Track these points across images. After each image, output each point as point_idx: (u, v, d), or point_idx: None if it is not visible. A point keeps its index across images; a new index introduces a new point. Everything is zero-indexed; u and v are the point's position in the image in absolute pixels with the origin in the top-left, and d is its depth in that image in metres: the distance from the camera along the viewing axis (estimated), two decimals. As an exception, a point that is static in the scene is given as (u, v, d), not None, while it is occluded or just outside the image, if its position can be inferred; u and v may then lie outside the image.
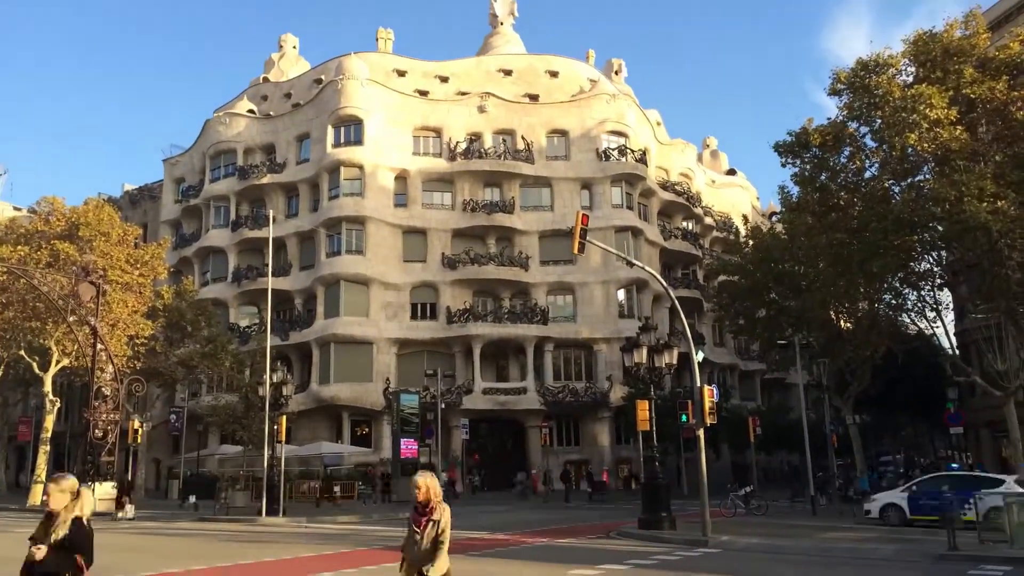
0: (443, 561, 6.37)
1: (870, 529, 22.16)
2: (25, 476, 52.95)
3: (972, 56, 29.77)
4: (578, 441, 49.31)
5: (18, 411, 55.25)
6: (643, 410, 22.31)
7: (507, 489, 44.31)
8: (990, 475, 24.41)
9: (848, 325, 40.85)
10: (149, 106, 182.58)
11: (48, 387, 37.27)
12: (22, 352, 37.91)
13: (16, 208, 62.56)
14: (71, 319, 33.50)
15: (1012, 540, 16.17)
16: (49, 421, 37.08)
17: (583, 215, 20.03)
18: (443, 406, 41.38)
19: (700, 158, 65.60)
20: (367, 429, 46.69)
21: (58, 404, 38.32)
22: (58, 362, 37.28)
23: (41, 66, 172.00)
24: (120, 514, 28.21)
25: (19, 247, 36.30)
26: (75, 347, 35.94)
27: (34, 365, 37.81)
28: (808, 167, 34.35)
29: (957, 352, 35.65)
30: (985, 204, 26.55)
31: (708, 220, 59.42)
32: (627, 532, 20.79)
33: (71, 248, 35.90)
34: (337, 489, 38.04)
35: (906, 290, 33.92)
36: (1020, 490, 19.12)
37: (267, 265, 41.63)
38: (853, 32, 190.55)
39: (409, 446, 38.42)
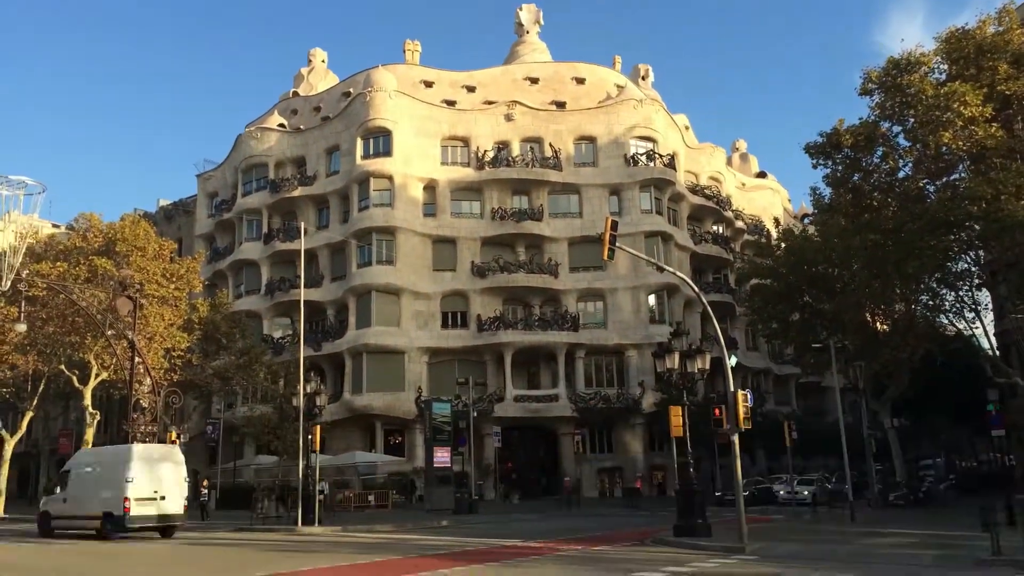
0: None
1: (910, 535, 21.76)
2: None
3: (1006, 52, 29.29)
4: (611, 448, 49.07)
5: (59, 424, 56.30)
6: (676, 416, 22.12)
7: (540, 497, 44.17)
8: None
9: (884, 327, 40.27)
10: (183, 123, 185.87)
11: (88, 400, 37.90)
12: (62, 366, 38.60)
13: (55, 225, 63.84)
14: (109, 333, 34.06)
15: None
16: (89, 433, 37.68)
17: (612, 221, 19.99)
18: (475, 414, 41.36)
19: (730, 161, 65.14)
20: (400, 438, 46.87)
21: (98, 416, 38.95)
22: (97, 375, 37.90)
23: (78, 86, 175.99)
24: None
25: (58, 263, 36.99)
26: (113, 360, 36.53)
27: (74, 379, 38.48)
28: (840, 168, 34.02)
29: (997, 353, 34.97)
30: (1023, 202, 26.07)
31: (739, 223, 58.92)
32: (662, 539, 20.64)
33: (108, 263, 36.51)
34: (371, 498, 38.23)
35: (943, 291, 33.38)
36: None
37: (299, 277, 41.84)
38: (904, 28, 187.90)
39: (442, 455, 38.47)
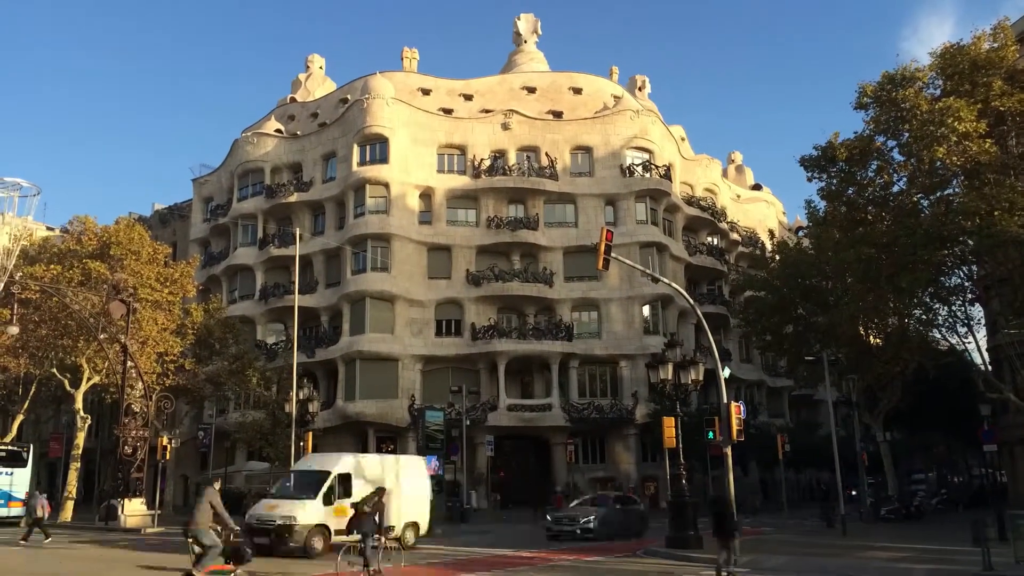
0: None
1: (902, 549, 21.76)
2: (56, 492, 53.63)
3: (1001, 69, 29.46)
4: (603, 458, 48.99)
5: (49, 428, 56.01)
6: (669, 427, 22.13)
7: (531, 507, 43.99)
8: None
9: (877, 341, 40.34)
10: (178, 127, 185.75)
11: (79, 404, 37.73)
12: (54, 370, 38.43)
13: (49, 228, 63.60)
14: (102, 337, 33.95)
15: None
16: (80, 438, 37.49)
17: (607, 231, 20.03)
18: (468, 423, 41.30)
19: (725, 173, 65.34)
20: (392, 446, 46.68)
21: (89, 421, 38.75)
22: (89, 379, 37.75)
23: (74, 88, 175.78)
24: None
25: (52, 266, 36.87)
26: (105, 364, 36.38)
27: (65, 382, 38.30)
28: (835, 181, 34.11)
29: (990, 368, 35.08)
30: (1016, 217, 26.22)
31: (734, 235, 59.06)
32: (654, 551, 20.61)
33: (102, 267, 36.41)
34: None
35: (936, 305, 33.44)
36: None
37: (294, 283, 41.96)
38: (934, 34, 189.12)
39: (434, 463, 38.35)
